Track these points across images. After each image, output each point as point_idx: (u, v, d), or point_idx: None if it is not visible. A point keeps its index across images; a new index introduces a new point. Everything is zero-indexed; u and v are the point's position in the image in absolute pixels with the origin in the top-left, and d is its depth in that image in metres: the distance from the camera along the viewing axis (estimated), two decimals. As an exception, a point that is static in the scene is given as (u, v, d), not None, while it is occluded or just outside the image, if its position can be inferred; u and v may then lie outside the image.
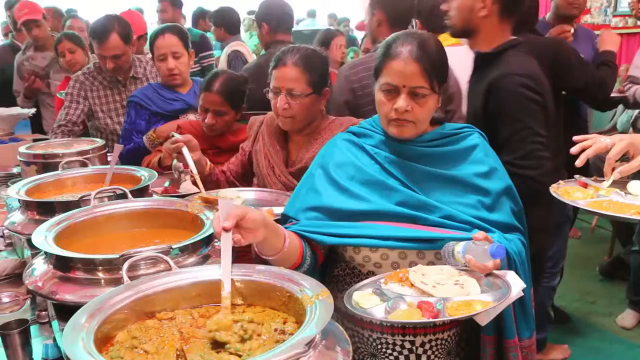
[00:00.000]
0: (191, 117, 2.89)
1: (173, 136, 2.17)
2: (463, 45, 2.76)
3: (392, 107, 1.53)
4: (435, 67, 1.53)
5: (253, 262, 1.70)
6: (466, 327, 1.54)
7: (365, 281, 1.43)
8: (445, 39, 3.13)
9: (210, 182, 2.22)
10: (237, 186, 2.24)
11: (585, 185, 1.68)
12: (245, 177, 2.31)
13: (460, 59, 2.43)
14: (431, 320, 1.25)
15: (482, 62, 2.12)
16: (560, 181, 1.70)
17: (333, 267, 1.68)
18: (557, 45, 2.70)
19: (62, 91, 3.68)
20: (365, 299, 1.33)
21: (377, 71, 1.58)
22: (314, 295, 1.08)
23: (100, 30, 3.09)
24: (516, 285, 1.32)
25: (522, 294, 1.34)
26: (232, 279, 1.19)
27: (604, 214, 1.53)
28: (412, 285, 1.33)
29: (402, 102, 1.51)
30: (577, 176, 1.72)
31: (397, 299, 1.29)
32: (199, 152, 2.15)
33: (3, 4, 5.55)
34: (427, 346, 1.50)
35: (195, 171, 2.08)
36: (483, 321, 1.35)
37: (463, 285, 1.32)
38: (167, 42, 2.83)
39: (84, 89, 3.27)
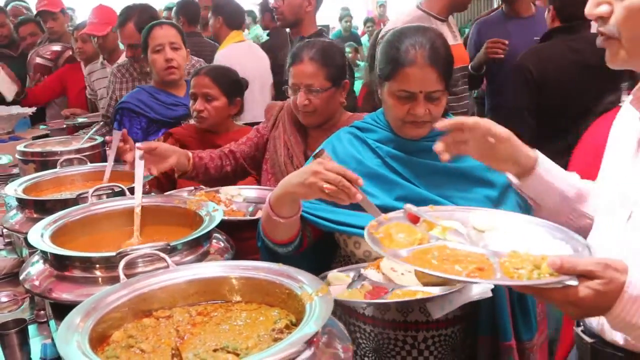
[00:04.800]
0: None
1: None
2: (246, 41, 3.98)
3: (407, 111, 1.52)
4: (447, 67, 1.53)
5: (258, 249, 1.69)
6: (467, 326, 1.52)
7: (350, 266, 1.46)
8: (232, 37, 3.91)
9: (197, 176, 2.09)
10: (244, 169, 2.19)
11: (416, 220, 1.22)
12: (255, 160, 2.21)
13: (245, 53, 3.62)
14: (367, 301, 1.28)
15: None
16: (384, 215, 1.24)
17: (337, 262, 1.67)
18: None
19: None
20: (337, 279, 1.35)
21: (387, 75, 1.54)
22: (314, 292, 1.06)
23: (120, 18, 3.08)
24: (480, 285, 1.26)
25: (490, 294, 1.29)
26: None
27: (429, 273, 1.01)
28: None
29: (420, 109, 1.51)
30: (407, 206, 1.25)
31: (357, 281, 1.31)
32: (171, 159, 1.90)
33: None
34: (429, 342, 1.48)
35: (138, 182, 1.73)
36: (435, 314, 1.31)
37: None
38: (165, 33, 2.64)
39: (114, 82, 3.25)
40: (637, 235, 1.07)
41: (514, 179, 1.31)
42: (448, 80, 1.54)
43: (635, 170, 1.10)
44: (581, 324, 1.23)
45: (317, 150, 1.33)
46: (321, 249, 1.66)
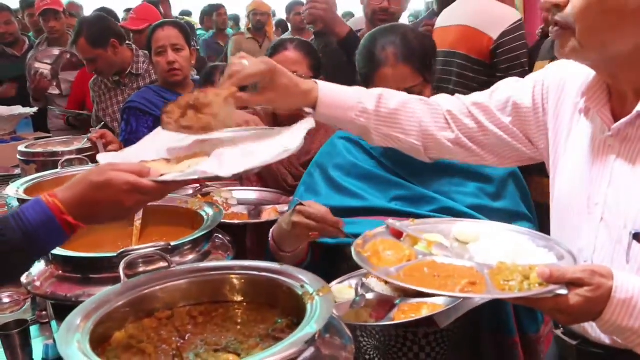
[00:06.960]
0: None
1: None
2: None
3: None
4: (422, 59, 1.54)
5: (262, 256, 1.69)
6: (469, 323, 1.51)
7: (352, 273, 1.44)
8: None
9: None
10: None
11: (399, 235, 1.19)
12: None
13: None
14: (375, 324, 1.26)
15: None
16: (367, 232, 1.20)
17: (338, 261, 1.67)
18: None
19: None
20: (340, 293, 1.33)
21: (366, 79, 1.56)
22: (315, 292, 1.06)
23: (73, 35, 3.08)
24: None
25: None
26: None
27: (425, 292, 1.00)
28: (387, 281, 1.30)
29: None
30: (389, 221, 1.23)
31: (362, 297, 1.30)
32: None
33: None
34: (431, 338, 1.48)
35: None
36: (442, 324, 1.29)
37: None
38: (167, 34, 2.60)
39: (94, 97, 3.26)
40: (612, 237, 1.06)
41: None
42: (427, 71, 1.54)
43: (597, 172, 1.09)
44: (560, 326, 1.22)
45: (293, 202, 1.41)
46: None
